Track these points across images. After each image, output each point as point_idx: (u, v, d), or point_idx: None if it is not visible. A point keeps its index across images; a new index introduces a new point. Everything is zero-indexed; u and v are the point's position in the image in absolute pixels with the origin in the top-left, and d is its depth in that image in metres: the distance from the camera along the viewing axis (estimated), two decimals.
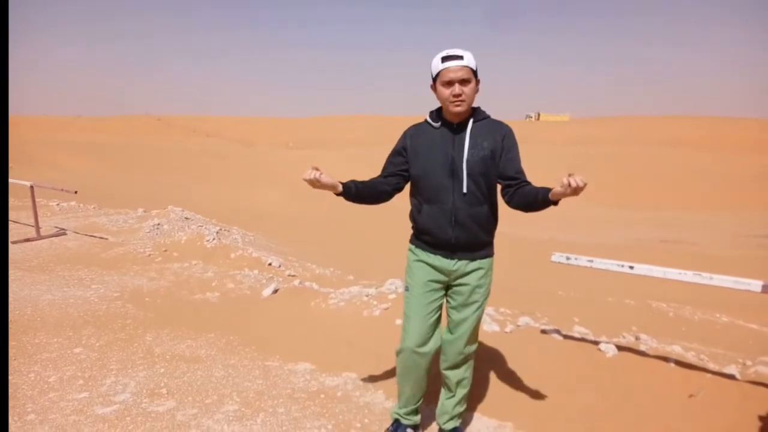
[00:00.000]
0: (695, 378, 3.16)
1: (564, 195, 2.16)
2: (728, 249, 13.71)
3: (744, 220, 21.46)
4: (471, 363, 2.73)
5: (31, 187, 8.08)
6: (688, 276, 3.11)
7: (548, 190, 2.26)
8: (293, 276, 6.21)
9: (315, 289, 5.30)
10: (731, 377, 3.14)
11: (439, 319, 2.60)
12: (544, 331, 3.96)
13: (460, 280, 2.54)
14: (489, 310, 4.73)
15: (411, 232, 2.68)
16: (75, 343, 4.01)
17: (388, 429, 2.80)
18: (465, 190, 2.41)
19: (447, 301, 2.64)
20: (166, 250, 6.94)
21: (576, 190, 2.09)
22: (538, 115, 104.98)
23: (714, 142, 50.27)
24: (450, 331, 2.64)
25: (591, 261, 3.50)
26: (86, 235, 8.12)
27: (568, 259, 3.61)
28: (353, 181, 2.52)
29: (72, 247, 7.30)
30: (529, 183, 2.44)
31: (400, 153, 2.56)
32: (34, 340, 4.04)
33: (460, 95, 2.33)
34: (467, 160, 2.39)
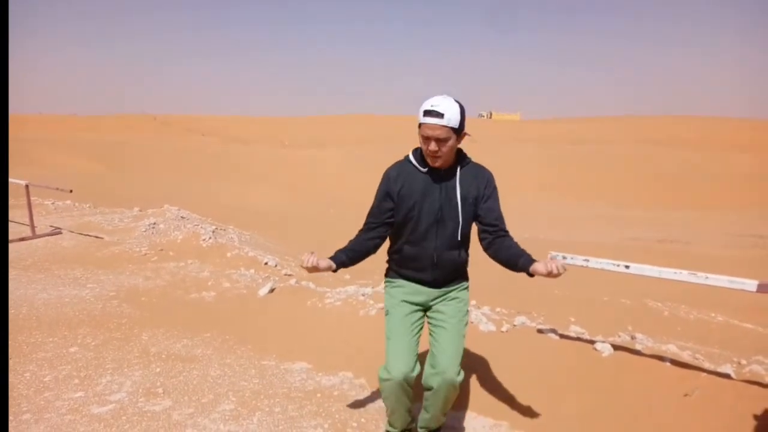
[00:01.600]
0: (691, 377, 3.17)
1: (541, 274, 2.24)
2: (723, 248, 13.76)
3: (738, 220, 21.56)
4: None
5: (27, 186, 8.05)
6: (684, 275, 3.12)
7: (529, 261, 2.32)
8: (289, 275, 6.21)
9: (311, 289, 5.29)
10: (726, 376, 3.15)
11: (417, 344, 2.54)
12: (540, 331, 3.97)
13: (438, 299, 2.58)
14: (485, 309, 4.74)
15: (386, 266, 2.70)
16: (71, 342, 4.00)
17: None
18: (448, 237, 2.45)
19: (429, 322, 2.61)
20: (162, 250, 6.92)
21: (554, 276, 2.20)
22: (491, 113, 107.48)
23: (708, 141, 50.50)
24: (435, 362, 2.48)
25: (587, 260, 3.51)
26: (82, 234, 8.09)
27: (564, 258, 3.62)
28: (343, 252, 2.52)
29: (67, 246, 7.28)
30: (507, 234, 2.48)
31: (387, 198, 2.49)
32: (30, 339, 4.02)
33: (436, 151, 2.31)
34: (454, 210, 2.42)
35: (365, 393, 3.32)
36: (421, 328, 2.59)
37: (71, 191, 8.08)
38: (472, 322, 4.14)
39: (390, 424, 2.69)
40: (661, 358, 3.40)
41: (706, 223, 21.00)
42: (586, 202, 25.92)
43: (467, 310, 2.62)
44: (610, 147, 43.86)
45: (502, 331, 4.05)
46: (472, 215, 2.48)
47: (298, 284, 5.50)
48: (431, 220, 2.43)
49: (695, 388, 3.04)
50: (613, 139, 53.17)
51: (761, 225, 19.47)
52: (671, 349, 3.63)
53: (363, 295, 4.83)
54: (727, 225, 20.07)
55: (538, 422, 2.96)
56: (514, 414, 3.04)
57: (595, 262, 3.47)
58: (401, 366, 2.42)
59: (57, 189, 8.14)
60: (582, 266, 3.54)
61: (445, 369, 2.42)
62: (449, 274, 2.55)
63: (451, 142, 2.31)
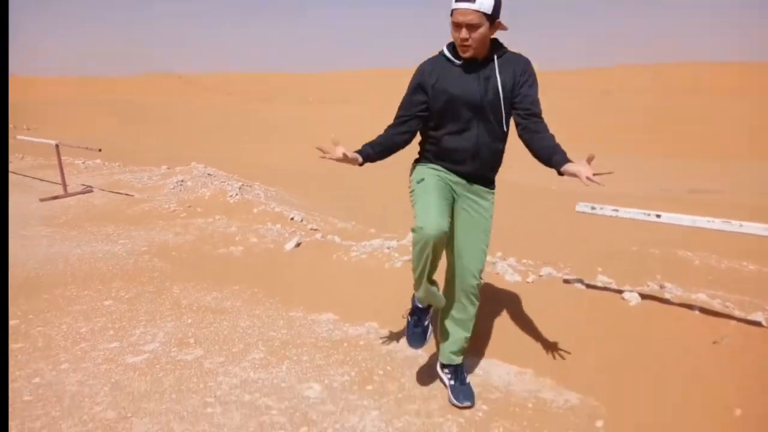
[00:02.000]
0: (720, 325, 3.12)
1: (574, 176, 2.16)
2: (757, 197, 13.39)
3: None
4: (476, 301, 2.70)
5: (57, 145, 8.19)
6: (717, 224, 3.04)
7: (563, 158, 2.25)
8: (315, 230, 6.25)
9: (337, 243, 5.33)
10: (757, 324, 3.09)
11: (449, 215, 2.48)
12: (566, 281, 3.93)
13: (467, 195, 2.57)
14: (511, 260, 4.71)
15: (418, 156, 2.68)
16: (105, 295, 4.12)
17: (408, 312, 2.76)
18: (490, 127, 2.43)
19: (454, 217, 2.59)
20: (190, 206, 7.02)
21: (589, 179, 2.11)
22: None
23: (743, 90, 48.49)
24: (462, 256, 2.58)
25: (616, 210, 3.43)
26: (112, 192, 8.24)
27: (593, 208, 3.55)
28: (370, 146, 2.49)
29: (99, 204, 7.43)
30: (541, 119, 2.42)
31: (419, 90, 2.47)
32: (66, 293, 4.16)
33: (466, 39, 2.25)
34: (493, 97, 2.38)
35: (391, 342, 3.36)
36: (452, 204, 2.56)
37: (100, 150, 8.20)
38: (497, 273, 4.13)
39: (419, 282, 2.48)
40: (690, 307, 3.35)
41: (740, 173, 20.41)
42: (613, 153, 25.35)
43: (491, 223, 2.63)
44: (637, 96, 42.53)
45: (528, 282, 4.03)
46: (510, 104, 2.43)
47: (323, 239, 5.54)
48: (472, 110, 2.40)
49: (724, 336, 2.99)
50: (640, 88, 51.48)
51: None
52: (701, 297, 3.58)
53: (388, 248, 4.84)
54: (761, 174, 19.47)
55: (564, 371, 2.96)
56: (540, 362, 3.05)
57: (625, 212, 3.39)
58: (436, 217, 2.29)
59: (87, 149, 8.27)
60: (611, 216, 3.47)
61: (471, 270, 2.55)
62: (487, 168, 2.55)
63: (482, 29, 2.24)
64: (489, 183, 2.61)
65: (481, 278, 2.64)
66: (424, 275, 2.41)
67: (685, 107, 35.69)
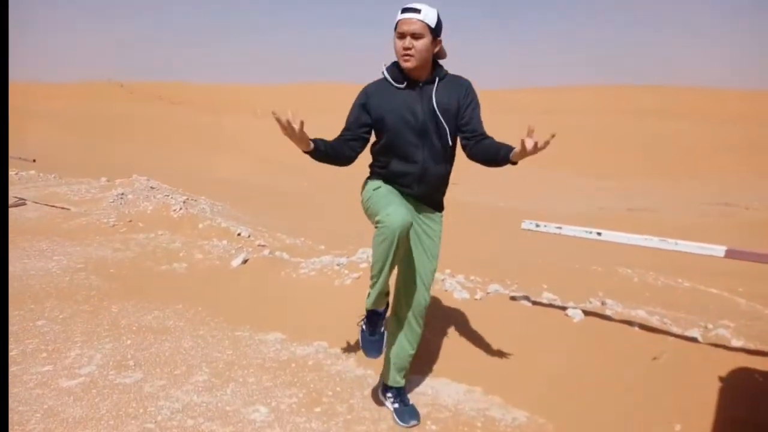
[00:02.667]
0: (659, 341, 3.25)
1: (524, 155, 2.21)
2: (692, 217, 14.09)
3: (707, 189, 22.06)
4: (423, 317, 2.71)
5: None
6: (654, 242, 3.17)
7: (510, 148, 2.32)
8: (263, 246, 6.14)
9: (285, 259, 5.25)
10: (694, 340, 3.23)
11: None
12: (513, 298, 4.01)
13: (417, 216, 2.59)
14: (459, 278, 4.76)
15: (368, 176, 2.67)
16: (37, 315, 3.90)
17: (362, 320, 2.65)
18: (434, 150, 2.46)
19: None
20: (131, 221, 6.77)
21: (535, 148, 2.15)
22: None
23: (678, 112, 51.21)
24: (406, 283, 2.62)
25: (560, 228, 3.53)
26: (47, 205, 7.86)
27: (537, 226, 3.64)
28: (322, 141, 2.43)
29: (32, 218, 7.07)
30: (487, 136, 2.47)
31: (363, 112, 2.48)
32: None
33: (409, 48, 2.29)
34: (436, 120, 2.41)
35: (340, 362, 3.32)
36: None
37: (34, 161, 7.83)
38: (446, 290, 4.16)
39: (374, 283, 2.43)
40: (630, 323, 3.47)
41: (675, 192, 21.45)
42: (557, 173, 26.20)
43: (440, 242, 2.65)
44: (581, 117, 44.22)
45: (476, 299, 4.08)
46: (455, 126, 2.47)
47: (271, 255, 5.45)
48: (415, 134, 2.42)
49: (663, 352, 3.11)
50: (583, 109, 53.57)
51: (729, 193, 19.96)
52: (640, 314, 3.71)
53: (338, 264, 4.81)
54: (696, 194, 20.53)
55: (511, 388, 3.00)
56: (488, 380, 3.08)
57: (568, 230, 3.50)
58: (401, 209, 2.26)
59: (20, 159, 7.87)
60: (555, 233, 3.57)
61: (419, 291, 2.57)
62: (434, 190, 2.57)
63: (425, 40, 2.30)
64: (437, 205, 2.64)
65: (429, 300, 2.67)
66: (386, 272, 2.36)
67: (625, 127, 37.33)
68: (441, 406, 2.88)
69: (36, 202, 8.02)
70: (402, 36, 2.30)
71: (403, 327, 2.69)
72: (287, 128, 2.17)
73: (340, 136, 2.52)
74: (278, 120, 2.15)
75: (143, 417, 2.67)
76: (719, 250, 2.96)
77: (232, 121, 40.93)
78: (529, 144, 2.14)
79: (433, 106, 2.40)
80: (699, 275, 6.34)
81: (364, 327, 2.65)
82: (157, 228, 6.50)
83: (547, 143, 2.12)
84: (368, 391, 2.98)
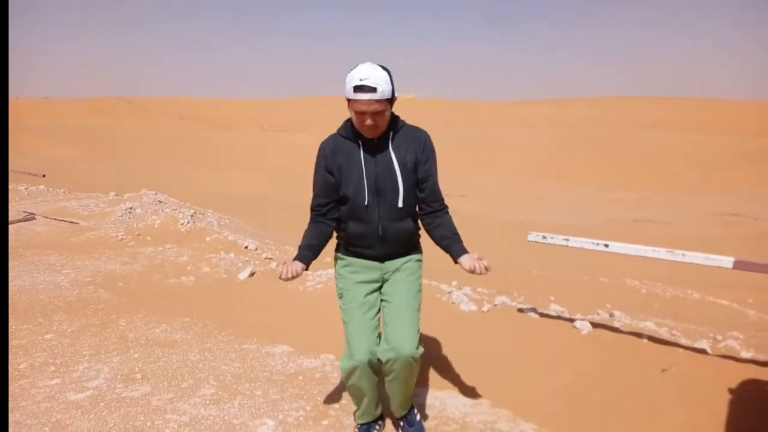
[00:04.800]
0: (668, 353, 3.22)
1: (465, 270, 2.26)
2: (700, 228, 14.01)
3: (715, 200, 21.94)
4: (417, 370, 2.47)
5: None
6: (662, 253, 3.16)
7: (459, 251, 2.31)
8: (270, 259, 6.16)
9: None
10: (703, 352, 3.20)
11: (378, 319, 2.44)
12: (520, 310, 3.99)
13: (390, 274, 2.47)
14: (466, 289, 4.75)
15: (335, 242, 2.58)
16: (46, 329, 3.92)
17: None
18: (391, 208, 2.33)
19: (381, 299, 2.49)
20: (139, 234, 6.82)
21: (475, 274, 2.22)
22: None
23: (688, 123, 51.13)
24: (390, 336, 2.36)
25: (567, 240, 3.53)
26: (56, 219, 7.93)
27: (544, 238, 3.64)
28: (305, 249, 2.38)
29: (41, 232, 7.13)
30: (443, 209, 2.42)
31: (327, 174, 2.37)
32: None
33: (372, 126, 2.20)
34: (392, 178, 2.30)
35: None
36: (378, 305, 2.47)
37: (44, 176, 7.90)
38: (453, 303, 4.15)
39: (360, 416, 2.58)
40: (638, 335, 3.45)
41: (684, 203, 21.34)
42: (565, 184, 26.15)
43: (420, 283, 2.52)
44: (589, 129, 44.20)
45: (483, 311, 4.07)
46: (413, 182, 2.35)
47: (278, 268, 5.47)
48: (370, 192, 2.30)
49: (672, 364, 3.09)
50: (592, 121, 53.57)
51: (738, 205, 19.85)
52: (649, 326, 3.69)
53: None
54: (704, 205, 20.41)
55: (519, 401, 2.98)
56: (496, 393, 3.06)
57: (575, 241, 3.49)
58: (364, 348, 2.31)
59: (30, 174, 7.96)
60: (562, 245, 3.56)
61: (399, 344, 2.30)
62: (398, 247, 2.43)
63: (387, 114, 2.20)
64: (407, 253, 2.49)
65: (419, 346, 2.38)
66: (366, 401, 2.49)
67: (632, 140, 37.25)
68: (448, 418, 2.86)
69: (45, 217, 8.10)
70: (361, 114, 2.16)
71: (398, 377, 2.41)
72: (291, 279, 2.26)
73: (314, 212, 2.44)
74: (285, 279, 2.25)
75: (151, 430, 2.67)
76: (727, 262, 2.94)
77: (239, 136, 41.21)
78: (473, 269, 2.22)
79: (388, 162, 2.30)
80: (708, 286, 6.30)
81: None
82: (165, 241, 6.54)
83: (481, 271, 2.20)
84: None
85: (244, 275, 5.14)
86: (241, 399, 3.00)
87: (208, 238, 6.70)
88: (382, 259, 2.44)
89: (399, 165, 2.31)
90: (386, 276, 2.47)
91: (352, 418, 2.84)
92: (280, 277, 2.24)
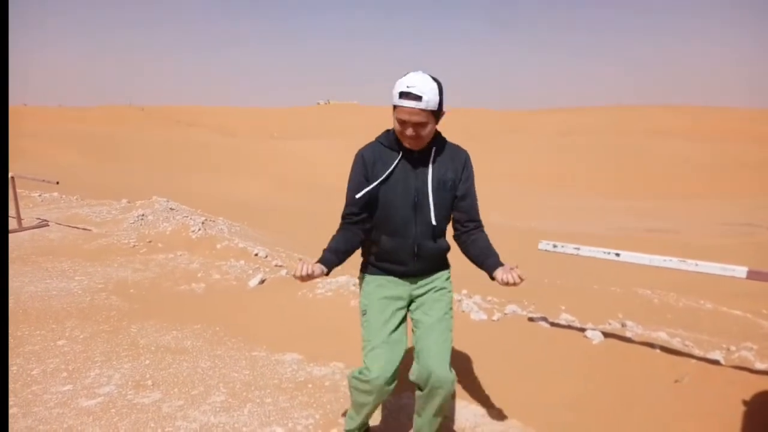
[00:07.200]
0: (681, 364, 3.19)
1: (502, 283, 2.11)
2: (712, 237, 13.89)
3: (728, 209, 21.73)
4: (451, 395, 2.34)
5: (12, 177, 7.95)
6: (674, 263, 3.13)
7: (495, 265, 2.19)
8: (280, 266, 6.18)
9: None
10: (716, 363, 3.17)
11: (404, 342, 2.32)
12: (531, 319, 3.97)
13: (420, 290, 2.39)
14: (476, 298, 4.74)
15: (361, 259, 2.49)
16: (58, 335, 3.95)
17: None
18: (428, 225, 2.26)
19: (412, 318, 2.41)
20: (150, 241, 6.86)
21: (515, 285, 2.09)
22: (329, 101, 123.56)
23: (699, 131, 50.78)
24: (423, 363, 2.25)
25: (578, 248, 3.51)
26: (69, 226, 8.00)
27: (554, 246, 3.62)
28: (331, 253, 2.27)
29: (54, 239, 7.20)
30: (480, 227, 2.36)
31: (364, 182, 2.27)
32: (17, 332, 3.97)
33: (413, 137, 2.13)
34: (432, 194, 2.23)
35: None
36: (405, 325, 2.37)
37: (58, 183, 7.98)
38: (463, 311, 4.14)
39: (352, 418, 2.49)
40: (651, 345, 3.41)
41: (695, 212, 21.17)
42: (575, 193, 26.04)
43: (451, 302, 2.43)
44: (599, 138, 44.02)
45: (494, 320, 4.05)
46: (451, 200, 2.29)
47: (288, 275, 5.48)
48: (408, 207, 2.24)
49: (685, 375, 3.05)
50: (602, 129, 53.35)
51: (751, 214, 19.65)
52: (661, 336, 3.65)
53: (354, 285, 4.82)
54: (717, 214, 20.23)
55: (530, 410, 2.96)
56: (506, 402, 3.04)
57: (586, 251, 3.47)
58: (383, 365, 2.19)
59: (43, 181, 8.05)
60: (573, 254, 3.55)
61: (434, 370, 2.20)
62: (431, 264, 2.37)
63: (430, 127, 2.12)
64: (438, 270, 2.42)
65: (451, 370, 2.27)
66: (363, 415, 2.43)
67: (643, 148, 37.04)
68: (459, 428, 2.85)
69: (58, 223, 8.17)
70: (404, 122, 2.10)
71: (428, 405, 2.32)
72: (305, 279, 2.13)
73: (345, 219, 2.33)
74: (299, 278, 2.13)
75: None
76: (741, 271, 2.92)
77: (250, 144, 41.45)
78: (509, 280, 2.07)
79: (427, 178, 2.23)
80: (721, 296, 6.23)
81: None
82: (176, 248, 6.58)
83: (520, 281, 2.07)
84: (385, 413, 2.97)
85: (254, 282, 5.16)
86: (251, 406, 3.01)
87: (218, 246, 6.73)
88: (413, 276, 2.36)
89: (437, 182, 2.24)
90: (414, 293, 2.39)
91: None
92: (294, 275, 2.15)
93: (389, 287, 2.36)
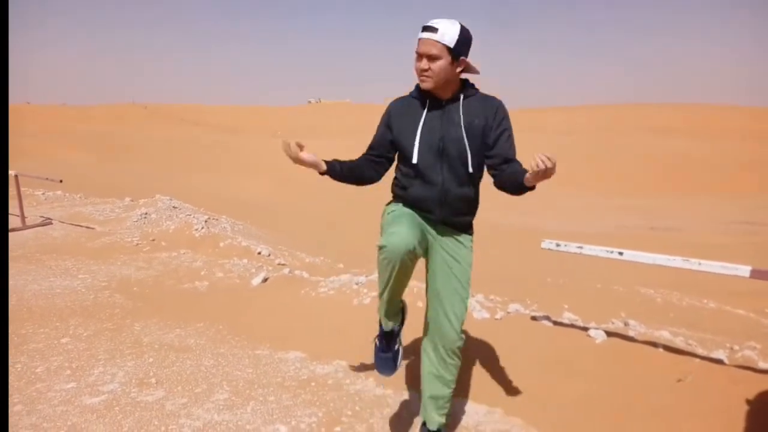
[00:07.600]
0: (684, 363, 3.19)
1: (536, 179, 2.02)
2: (715, 236, 13.85)
3: (731, 207, 21.67)
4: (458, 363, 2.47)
5: (16, 176, 7.97)
6: (677, 262, 3.13)
7: (524, 172, 2.11)
8: (283, 265, 6.19)
9: (305, 278, 5.28)
10: (719, 362, 3.16)
11: (420, 234, 2.29)
12: (533, 318, 3.97)
13: (441, 240, 2.41)
14: (479, 297, 4.74)
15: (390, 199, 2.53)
16: (62, 333, 3.97)
17: (376, 337, 2.61)
18: (455, 171, 2.30)
19: (428, 267, 2.46)
20: (153, 240, 6.88)
21: (547, 172, 1.95)
22: (320, 99, 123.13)
23: (700, 129, 50.64)
24: (434, 315, 2.37)
25: (581, 247, 3.51)
26: (72, 224, 8.03)
27: (558, 245, 3.62)
28: (337, 161, 2.40)
29: (58, 237, 7.22)
30: (514, 162, 2.28)
31: (387, 130, 2.40)
32: (20, 330, 3.99)
33: (425, 70, 2.18)
34: (458, 140, 2.26)
35: (360, 381, 3.31)
36: (425, 241, 2.37)
37: (61, 181, 8.01)
38: None
39: (384, 300, 2.35)
40: (654, 344, 3.41)
41: (698, 210, 21.10)
42: (577, 191, 26.00)
43: (470, 272, 2.42)
44: (601, 135, 43.93)
45: (496, 319, 4.05)
46: (479, 147, 2.28)
47: (291, 274, 5.49)
48: (434, 153, 2.28)
49: (688, 374, 3.05)
50: (604, 127, 53.23)
51: (754, 212, 19.59)
52: (664, 335, 3.65)
53: (356, 284, 4.82)
54: (719, 212, 20.18)
55: (532, 409, 2.96)
56: (509, 400, 3.04)
57: (589, 249, 3.47)
58: (402, 234, 2.13)
59: (47, 179, 8.07)
60: (576, 253, 3.55)
61: (447, 321, 2.33)
62: (458, 213, 2.38)
63: (442, 62, 2.15)
64: (464, 228, 2.44)
65: (462, 335, 2.41)
66: (388, 292, 2.27)
67: (644, 146, 36.94)
68: (462, 427, 2.85)
69: (62, 222, 8.20)
70: (419, 56, 2.18)
71: (435, 365, 2.46)
72: (292, 156, 2.25)
73: (365, 154, 2.47)
74: (285, 151, 2.23)
75: None
76: (744, 270, 2.91)
77: (253, 142, 41.45)
78: (540, 165, 1.94)
79: (455, 125, 2.26)
80: (724, 295, 6.22)
81: (377, 343, 2.60)
82: (180, 247, 6.59)
83: (549, 168, 1.94)
84: (387, 411, 2.97)
85: (257, 281, 5.17)
86: (254, 404, 3.01)
87: (221, 244, 6.74)
88: (437, 223, 2.39)
89: (465, 128, 2.25)
90: (433, 241, 2.41)
91: (365, 425, 2.84)
92: (283, 150, 2.23)
93: (417, 215, 2.38)
